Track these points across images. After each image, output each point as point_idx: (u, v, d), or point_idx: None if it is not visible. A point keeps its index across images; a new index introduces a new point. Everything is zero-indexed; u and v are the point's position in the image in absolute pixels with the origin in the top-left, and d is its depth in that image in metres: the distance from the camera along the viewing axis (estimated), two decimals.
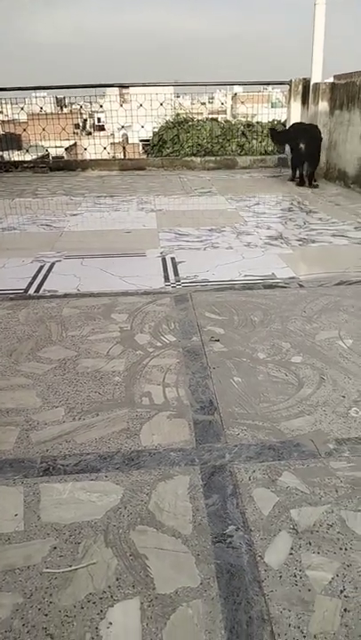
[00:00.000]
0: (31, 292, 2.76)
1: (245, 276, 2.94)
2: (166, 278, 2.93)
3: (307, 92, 6.62)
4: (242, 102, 9.52)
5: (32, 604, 1.04)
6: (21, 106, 7.80)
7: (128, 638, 0.97)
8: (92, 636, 0.97)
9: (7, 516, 1.24)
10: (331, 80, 6.17)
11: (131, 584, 1.07)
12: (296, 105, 7.01)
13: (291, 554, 1.14)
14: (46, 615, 1.01)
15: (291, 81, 7.07)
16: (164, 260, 3.25)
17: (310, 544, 1.16)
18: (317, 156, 5.84)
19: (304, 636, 0.97)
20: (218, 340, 2.14)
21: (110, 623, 1.00)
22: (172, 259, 3.28)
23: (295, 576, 1.09)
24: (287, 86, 7.22)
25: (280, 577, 1.09)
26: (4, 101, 7.78)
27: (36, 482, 1.36)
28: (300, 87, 6.90)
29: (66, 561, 1.13)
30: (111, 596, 1.05)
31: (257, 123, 8.45)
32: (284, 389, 1.77)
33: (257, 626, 0.99)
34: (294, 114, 7.06)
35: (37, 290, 2.78)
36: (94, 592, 1.06)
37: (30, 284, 2.87)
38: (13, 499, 1.30)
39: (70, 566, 1.11)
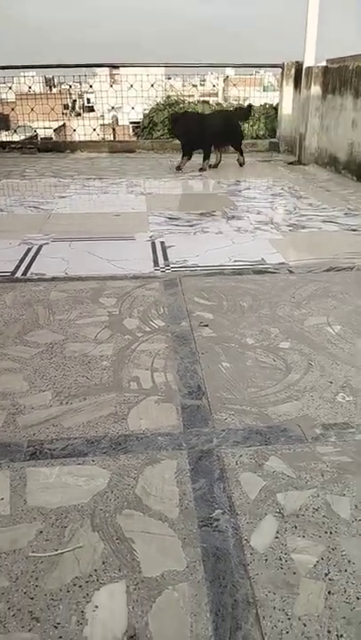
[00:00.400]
0: (18, 274, 2.73)
1: (235, 261, 2.92)
2: (155, 262, 2.91)
3: (299, 75, 6.55)
4: (234, 85, 9.41)
5: (18, 587, 1.04)
6: (9, 85, 7.64)
7: (114, 621, 0.97)
8: (78, 619, 0.97)
9: None
10: (323, 64, 6.11)
11: (117, 567, 1.07)
12: (288, 89, 6.95)
13: (276, 537, 1.15)
14: (32, 599, 1.01)
15: (283, 64, 6.99)
16: (153, 244, 3.23)
17: (296, 528, 1.17)
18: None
19: (289, 619, 0.98)
20: (207, 326, 2.13)
21: (96, 606, 1.00)
22: (162, 243, 3.25)
23: (280, 559, 1.10)
24: (280, 69, 7.15)
25: (265, 560, 1.10)
26: None
27: (23, 466, 1.35)
28: (293, 71, 6.84)
29: (52, 545, 1.13)
30: (97, 580, 1.05)
31: (249, 106, 8.34)
32: (272, 375, 1.78)
33: (242, 609, 1.00)
34: (286, 97, 7.00)
35: (25, 273, 2.75)
36: (80, 576, 1.06)
37: (17, 266, 2.83)
38: None
39: (56, 550, 1.11)
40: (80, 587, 1.04)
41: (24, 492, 1.26)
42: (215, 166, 5.94)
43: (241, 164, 6.04)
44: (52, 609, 0.99)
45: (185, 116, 5.95)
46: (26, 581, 1.05)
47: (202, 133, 5.59)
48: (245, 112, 6.36)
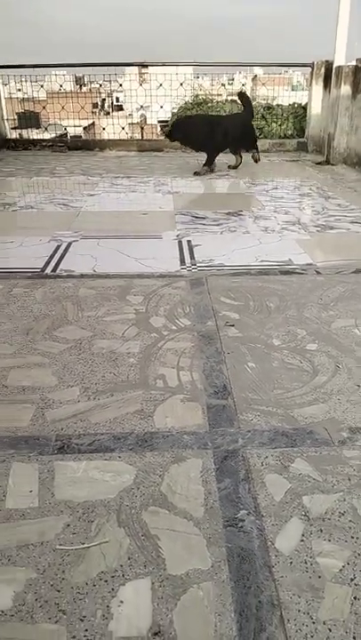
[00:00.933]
0: (48, 271, 2.76)
1: (262, 261, 2.91)
2: (182, 261, 2.92)
3: (329, 74, 6.48)
4: (263, 84, 9.35)
5: (45, 579, 1.06)
6: (41, 83, 7.73)
7: (139, 617, 0.98)
8: (104, 613, 0.99)
9: (22, 492, 1.26)
10: (354, 63, 6.03)
11: (142, 564, 1.08)
12: (318, 88, 6.87)
13: (302, 540, 1.14)
14: (59, 591, 1.03)
15: (313, 63, 6.92)
16: (180, 243, 3.23)
17: (321, 531, 1.16)
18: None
19: (313, 623, 0.97)
20: (233, 325, 2.13)
21: (121, 601, 1.01)
22: (189, 242, 3.26)
23: (306, 562, 1.09)
24: (309, 69, 7.07)
25: (290, 563, 1.09)
26: (23, 79, 7.73)
27: (51, 459, 1.37)
28: (323, 70, 6.75)
29: (79, 538, 1.14)
30: (123, 575, 1.06)
31: (277, 105, 8.28)
32: (299, 376, 1.76)
33: (267, 610, 0.99)
34: (316, 97, 6.93)
35: (54, 269, 2.79)
36: (106, 570, 1.07)
37: (47, 263, 2.87)
38: (28, 475, 1.31)
39: (83, 544, 1.13)
40: (106, 581, 1.05)
41: (52, 486, 1.28)
42: (234, 167, 5.83)
43: (256, 161, 5.85)
44: (78, 602, 1.01)
45: (184, 121, 5.80)
46: (53, 574, 1.07)
47: (201, 137, 5.45)
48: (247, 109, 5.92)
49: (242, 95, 5.99)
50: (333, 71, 6.24)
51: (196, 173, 5.59)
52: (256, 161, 5.87)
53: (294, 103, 8.26)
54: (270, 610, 1.00)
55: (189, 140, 5.54)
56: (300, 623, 0.97)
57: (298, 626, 0.97)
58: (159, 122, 10.21)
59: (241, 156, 5.85)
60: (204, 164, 5.64)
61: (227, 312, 2.25)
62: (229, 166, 5.72)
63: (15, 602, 1.01)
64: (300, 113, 7.85)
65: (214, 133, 5.44)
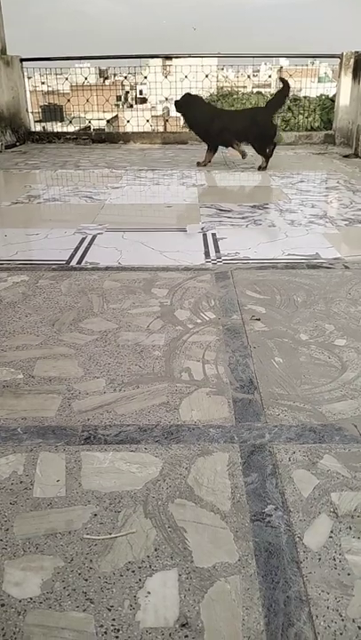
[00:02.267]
0: (73, 263, 2.78)
1: (288, 254, 2.88)
2: (207, 254, 2.90)
3: (358, 65, 6.36)
4: (290, 75, 9.22)
5: (72, 568, 1.06)
6: (66, 76, 7.76)
7: (166, 608, 0.98)
8: (131, 603, 0.99)
9: (50, 482, 1.27)
10: None
11: (169, 555, 1.08)
12: (346, 80, 6.76)
13: (330, 537, 1.13)
14: (86, 580, 1.04)
15: (342, 54, 6.80)
16: (204, 236, 3.22)
17: (351, 529, 1.15)
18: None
19: (343, 620, 0.96)
20: (259, 319, 2.11)
21: (149, 592, 1.01)
22: (213, 235, 3.24)
23: (334, 559, 1.08)
24: (337, 60, 6.95)
25: (319, 559, 1.08)
26: (47, 72, 7.77)
27: (78, 450, 1.38)
28: (352, 61, 6.64)
29: (106, 528, 1.15)
30: (150, 566, 1.06)
31: (304, 97, 8.16)
32: (327, 372, 1.74)
33: (295, 606, 0.98)
34: (344, 88, 6.81)
35: (79, 261, 2.80)
36: (133, 561, 1.07)
37: (72, 255, 2.89)
38: (55, 465, 1.32)
39: (110, 534, 1.13)
40: (133, 572, 1.05)
41: (79, 476, 1.29)
42: (261, 168, 5.38)
43: (259, 168, 5.38)
44: (105, 591, 1.01)
45: (192, 99, 5.54)
46: (80, 563, 1.07)
47: (198, 122, 5.38)
48: (277, 99, 5.55)
49: (283, 81, 5.61)
50: None
51: (198, 164, 5.57)
52: (259, 168, 5.38)
53: (322, 95, 8.13)
54: (299, 605, 0.98)
55: (188, 118, 5.47)
56: (328, 620, 0.96)
57: (327, 622, 0.96)
58: None
59: (265, 156, 5.39)
60: (208, 153, 5.59)
61: (252, 306, 2.23)
62: (259, 167, 5.43)
63: (43, 590, 1.02)
64: (327, 105, 7.73)
65: (211, 124, 5.32)
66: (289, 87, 5.53)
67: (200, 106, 5.50)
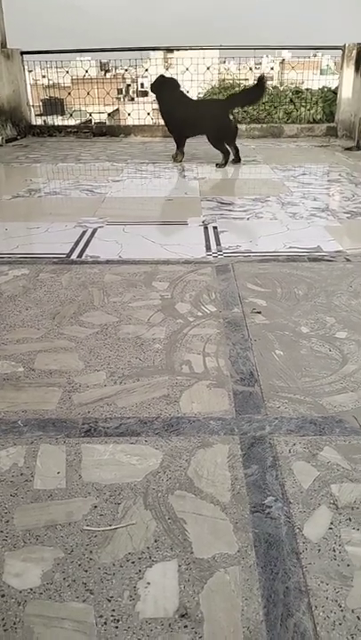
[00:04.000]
0: (74, 257, 2.77)
1: (290, 247, 2.87)
2: (208, 248, 2.89)
3: None
4: (292, 67, 9.16)
5: (72, 559, 1.07)
6: (67, 69, 7.72)
7: (166, 599, 0.98)
8: (131, 594, 0.99)
9: (50, 474, 1.27)
10: None
11: (169, 546, 1.09)
12: (349, 71, 6.71)
13: (330, 528, 1.13)
14: (86, 571, 1.04)
15: (344, 46, 6.75)
16: (205, 229, 3.21)
17: (350, 520, 1.15)
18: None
19: (342, 610, 0.96)
20: (260, 312, 2.10)
21: (148, 583, 1.01)
22: (215, 228, 3.23)
23: (334, 550, 1.08)
24: (340, 51, 6.90)
25: (318, 550, 1.08)
26: (48, 65, 7.73)
27: (78, 442, 1.38)
28: (355, 53, 6.58)
29: (106, 520, 1.15)
30: (150, 557, 1.06)
31: (306, 89, 8.10)
32: (328, 364, 1.74)
33: (294, 597, 0.99)
34: (346, 80, 6.76)
35: (80, 255, 2.79)
36: (133, 552, 1.08)
37: (73, 249, 2.88)
38: (56, 457, 1.33)
39: (110, 525, 1.14)
40: (133, 562, 1.05)
41: (79, 468, 1.29)
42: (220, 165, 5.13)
43: (218, 164, 5.09)
44: (105, 582, 1.02)
45: (165, 81, 5.30)
46: (80, 554, 1.08)
47: (166, 108, 5.22)
48: (242, 96, 5.46)
49: (260, 79, 5.31)
50: None
51: (173, 157, 5.43)
52: (217, 165, 5.09)
53: (324, 87, 8.07)
54: (298, 596, 0.99)
55: (159, 102, 5.25)
56: (328, 610, 0.96)
57: (326, 613, 0.96)
58: None
59: (224, 152, 5.12)
60: (177, 148, 5.43)
61: (253, 299, 2.23)
62: (217, 164, 5.14)
63: (43, 580, 1.02)
64: (329, 97, 7.67)
65: (175, 113, 5.14)
66: (262, 90, 5.25)
67: (171, 90, 5.19)
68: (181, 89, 5.39)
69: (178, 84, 5.30)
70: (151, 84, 5.37)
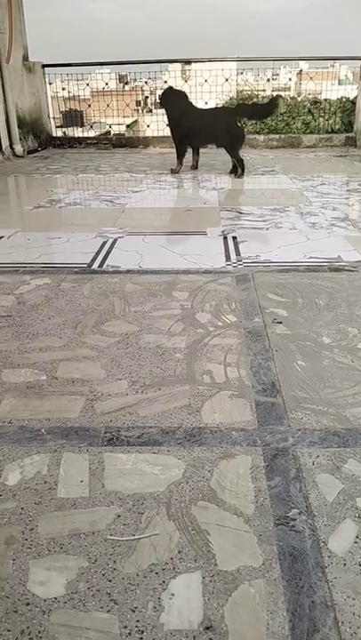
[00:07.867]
0: (95, 266, 2.80)
1: (310, 257, 2.86)
2: (228, 257, 2.90)
3: None
4: (310, 78, 9.17)
5: (97, 568, 1.07)
6: (87, 82, 7.84)
7: (190, 611, 0.98)
8: (155, 605, 0.99)
9: (73, 482, 1.28)
10: None
11: (193, 558, 1.08)
12: None
13: (356, 542, 1.11)
14: (110, 581, 1.04)
15: None
16: (225, 239, 3.21)
17: None
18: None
19: None
20: (281, 323, 2.10)
21: (172, 594, 1.01)
22: (234, 238, 3.23)
23: (360, 565, 1.06)
24: (358, 62, 6.90)
25: (344, 564, 1.06)
26: (68, 78, 7.87)
27: (101, 451, 1.38)
28: None
29: (129, 529, 1.15)
30: (173, 568, 1.06)
31: (324, 100, 8.10)
32: (351, 376, 1.72)
33: (320, 611, 0.97)
34: None
35: (101, 265, 2.82)
36: (157, 562, 1.07)
37: (94, 259, 2.91)
38: (79, 465, 1.33)
39: (133, 535, 1.13)
40: (157, 573, 1.05)
41: (102, 477, 1.30)
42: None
43: (236, 175, 5.17)
44: (129, 593, 1.01)
45: (173, 92, 5.30)
46: (104, 563, 1.08)
47: (171, 117, 5.20)
48: (252, 109, 5.53)
49: (274, 100, 5.47)
50: None
51: (172, 171, 5.41)
52: (236, 175, 5.14)
53: (342, 97, 8.06)
54: (324, 611, 0.97)
55: (167, 112, 5.24)
56: (355, 626, 0.95)
57: (353, 629, 0.94)
58: None
59: (238, 159, 5.17)
60: (177, 158, 5.38)
61: (274, 309, 2.22)
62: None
63: (68, 589, 1.02)
64: (348, 107, 7.66)
65: (181, 122, 5.12)
66: (274, 108, 5.33)
67: (179, 101, 5.17)
68: (190, 100, 5.40)
69: (185, 95, 5.30)
70: (159, 96, 5.39)
